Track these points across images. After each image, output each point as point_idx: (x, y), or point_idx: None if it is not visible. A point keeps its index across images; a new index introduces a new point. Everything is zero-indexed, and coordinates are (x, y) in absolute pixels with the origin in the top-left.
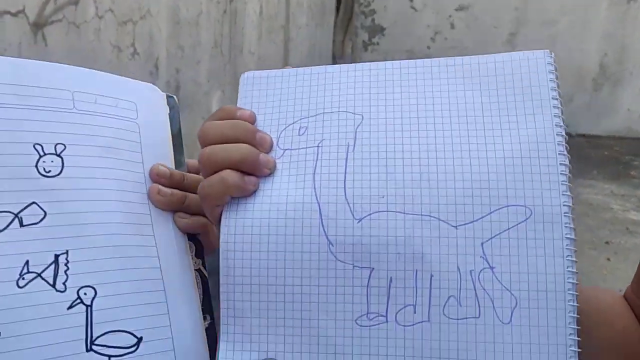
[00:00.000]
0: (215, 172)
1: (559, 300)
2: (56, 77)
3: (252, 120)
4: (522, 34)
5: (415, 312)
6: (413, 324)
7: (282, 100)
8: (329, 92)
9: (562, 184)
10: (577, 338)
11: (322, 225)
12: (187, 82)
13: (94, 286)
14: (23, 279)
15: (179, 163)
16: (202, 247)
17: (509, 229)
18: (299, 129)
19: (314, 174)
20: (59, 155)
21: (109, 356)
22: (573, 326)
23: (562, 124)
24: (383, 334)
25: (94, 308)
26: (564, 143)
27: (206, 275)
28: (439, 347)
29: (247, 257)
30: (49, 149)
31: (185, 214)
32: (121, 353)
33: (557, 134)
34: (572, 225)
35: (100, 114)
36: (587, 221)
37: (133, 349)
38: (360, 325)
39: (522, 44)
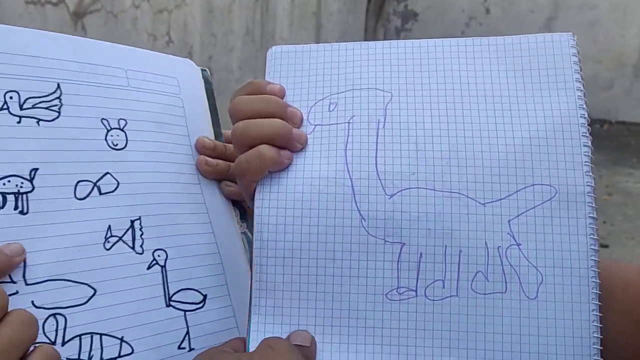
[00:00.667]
0: (250, 147)
1: (583, 277)
2: (112, 56)
3: (282, 94)
4: (560, 19)
5: (444, 287)
6: (442, 299)
7: (311, 75)
8: (357, 68)
9: (585, 164)
10: (600, 314)
11: (355, 201)
12: (220, 69)
13: (165, 249)
14: (108, 242)
15: (217, 134)
16: (246, 211)
17: (535, 207)
18: (329, 105)
19: (345, 149)
20: (122, 130)
21: (185, 311)
22: (596, 302)
23: (584, 106)
24: (412, 308)
25: (167, 268)
26: (586, 125)
27: (251, 237)
28: (466, 322)
29: (280, 230)
30: (114, 123)
31: (231, 182)
32: (193, 308)
33: (580, 116)
34: (594, 205)
35: (150, 90)
36: (626, 210)
37: (201, 305)
38: (391, 300)
39: (560, 29)
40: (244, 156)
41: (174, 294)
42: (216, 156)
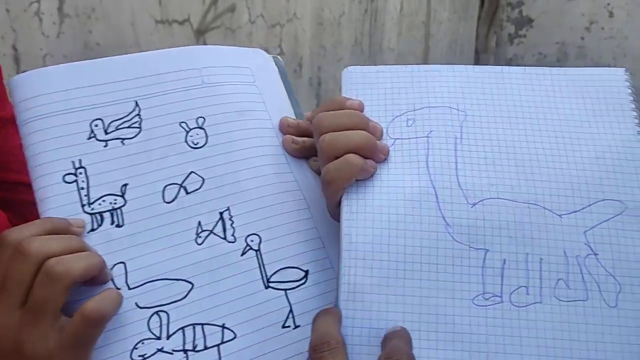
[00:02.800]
0: (336, 157)
1: None
2: (184, 60)
3: (362, 108)
4: None
5: (528, 294)
6: (526, 305)
7: (387, 94)
8: (431, 88)
9: None
10: None
11: (439, 208)
12: (328, 79)
13: (258, 233)
14: (200, 237)
15: (298, 115)
16: None
17: (607, 220)
18: (407, 121)
19: (427, 161)
20: (201, 128)
21: (285, 290)
22: None
23: None
24: (499, 314)
25: (262, 251)
26: None
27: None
28: (552, 328)
29: (369, 233)
30: (192, 124)
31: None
32: (294, 286)
33: (638, 140)
34: None
35: (225, 83)
36: None
37: (303, 281)
38: (477, 305)
39: None
40: (332, 164)
41: (272, 274)
42: (301, 134)
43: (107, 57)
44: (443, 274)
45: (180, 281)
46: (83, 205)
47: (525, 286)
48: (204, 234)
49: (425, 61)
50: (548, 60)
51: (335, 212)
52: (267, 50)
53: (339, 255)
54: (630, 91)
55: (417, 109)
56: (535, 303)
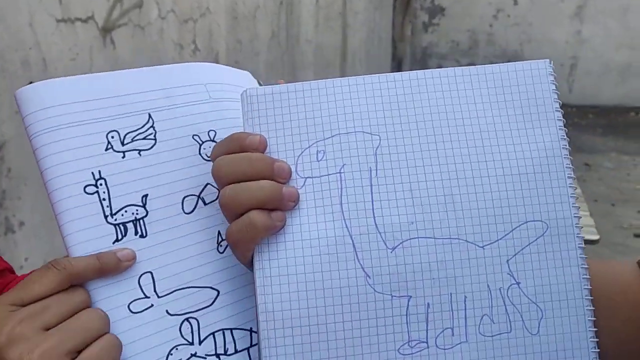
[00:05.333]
0: (240, 214)
1: (579, 307)
2: (189, 75)
3: (264, 146)
4: (591, 6)
5: (453, 335)
6: (452, 346)
7: (293, 120)
8: (340, 109)
9: (570, 196)
10: (596, 339)
11: (357, 258)
12: None
13: None
14: (221, 245)
15: None
16: None
17: (529, 244)
18: (317, 154)
19: (341, 203)
20: (213, 140)
21: None
22: (592, 329)
23: (565, 136)
24: (425, 359)
25: None
26: (569, 156)
27: None
28: None
29: (285, 299)
30: (205, 137)
31: None
32: None
33: (562, 147)
34: (582, 235)
35: (229, 99)
36: None
37: None
38: (403, 354)
39: (590, 16)
40: (235, 226)
41: None
42: None
43: (8, 61)
44: (367, 328)
45: (206, 288)
46: (106, 216)
47: (450, 327)
48: (224, 243)
49: (345, 51)
50: (461, 47)
51: (250, 267)
52: (181, 47)
53: (257, 325)
54: (553, 87)
55: (327, 137)
56: (460, 343)
